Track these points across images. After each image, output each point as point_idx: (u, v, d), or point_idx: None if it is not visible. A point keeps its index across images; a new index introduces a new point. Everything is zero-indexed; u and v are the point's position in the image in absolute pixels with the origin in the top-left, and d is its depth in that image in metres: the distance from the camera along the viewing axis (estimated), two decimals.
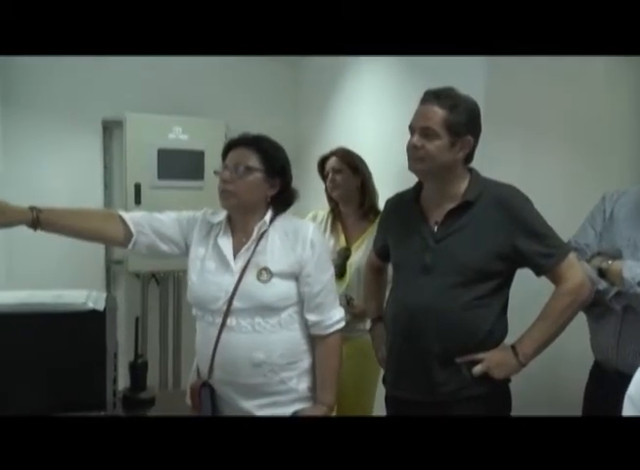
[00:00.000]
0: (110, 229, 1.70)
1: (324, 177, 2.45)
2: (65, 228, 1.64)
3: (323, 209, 2.51)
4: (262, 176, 1.69)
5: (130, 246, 1.71)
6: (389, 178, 2.35)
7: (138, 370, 1.96)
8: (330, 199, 2.45)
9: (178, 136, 3.48)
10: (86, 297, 1.67)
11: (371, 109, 3.03)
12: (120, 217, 1.71)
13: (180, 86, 3.61)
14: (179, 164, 3.47)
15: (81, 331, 1.64)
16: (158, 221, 1.73)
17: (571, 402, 1.87)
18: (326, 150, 2.49)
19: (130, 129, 3.40)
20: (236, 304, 1.64)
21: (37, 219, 1.55)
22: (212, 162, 3.31)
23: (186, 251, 1.77)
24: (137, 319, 2.03)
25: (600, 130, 2.35)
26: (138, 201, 3.33)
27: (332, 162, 2.41)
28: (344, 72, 3.27)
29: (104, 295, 1.74)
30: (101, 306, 1.64)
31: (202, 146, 3.48)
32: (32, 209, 1.56)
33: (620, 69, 2.31)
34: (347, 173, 2.37)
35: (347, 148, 2.46)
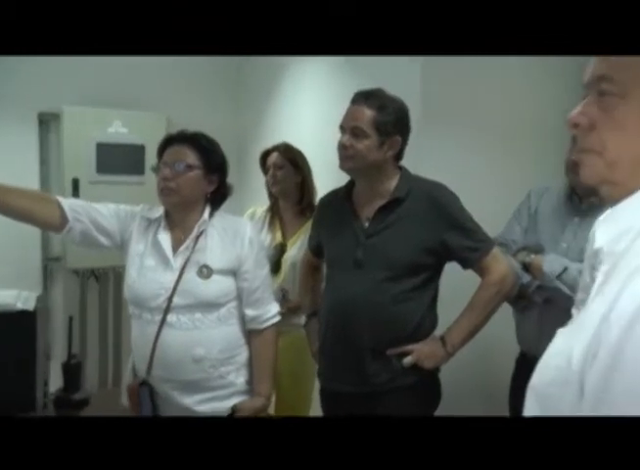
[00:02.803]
0: (44, 211, 1.64)
1: (265, 172, 2.44)
2: None
3: (262, 205, 2.51)
4: (202, 173, 1.71)
5: (64, 232, 1.66)
6: (327, 176, 2.37)
7: (71, 371, 1.94)
8: (270, 194, 2.45)
9: (118, 130, 3.41)
10: (16, 297, 1.65)
11: (310, 108, 3.04)
12: (57, 202, 1.66)
13: (120, 79, 3.53)
14: (119, 159, 3.40)
15: (11, 332, 1.62)
16: (95, 211, 1.70)
17: (498, 391, 1.96)
18: (266, 148, 2.48)
19: (68, 123, 3.31)
20: (176, 300, 1.64)
21: None
22: (153, 156, 3.22)
23: (120, 244, 1.75)
24: (70, 319, 2.00)
25: (530, 132, 2.44)
26: (76, 196, 3.23)
27: (274, 157, 2.40)
28: (285, 72, 3.27)
29: (34, 295, 1.71)
30: (31, 307, 1.62)
31: (142, 140, 3.41)
32: None
33: (549, 73, 2.41)
34: (289, 169, 2.37)
35: (290, 144, 2.46)
